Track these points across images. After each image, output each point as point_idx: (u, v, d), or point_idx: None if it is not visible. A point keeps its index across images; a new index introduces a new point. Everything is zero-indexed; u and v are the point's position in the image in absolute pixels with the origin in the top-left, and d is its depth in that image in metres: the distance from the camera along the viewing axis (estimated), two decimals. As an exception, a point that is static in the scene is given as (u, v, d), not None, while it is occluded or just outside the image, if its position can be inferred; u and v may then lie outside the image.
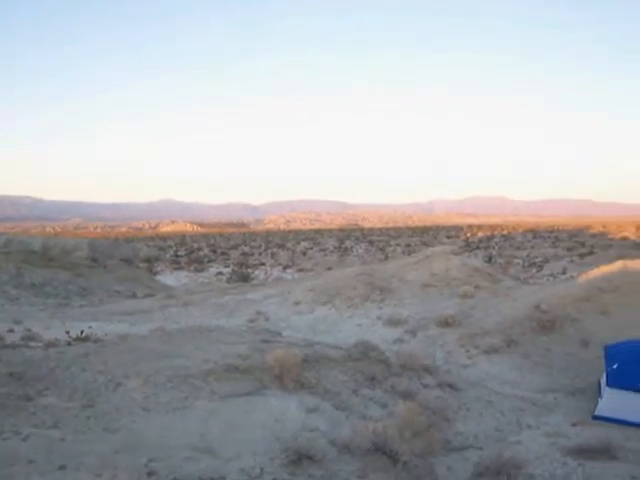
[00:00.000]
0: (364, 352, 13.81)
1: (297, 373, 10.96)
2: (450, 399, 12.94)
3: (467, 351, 19.09)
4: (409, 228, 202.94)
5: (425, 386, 13.25)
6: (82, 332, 14.91)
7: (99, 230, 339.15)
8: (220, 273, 62.36)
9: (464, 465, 9.65)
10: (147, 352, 11.64)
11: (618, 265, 24.59)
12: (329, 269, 51.09)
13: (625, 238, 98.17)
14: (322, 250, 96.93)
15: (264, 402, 9.83)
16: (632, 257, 30.92)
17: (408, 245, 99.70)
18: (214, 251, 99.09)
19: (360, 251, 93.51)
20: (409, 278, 30.41)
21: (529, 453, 10.21)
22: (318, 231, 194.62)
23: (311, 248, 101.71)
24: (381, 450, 8.79)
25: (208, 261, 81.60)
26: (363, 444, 8.80)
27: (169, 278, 58.81)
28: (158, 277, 56.98)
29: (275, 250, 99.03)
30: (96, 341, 13.62)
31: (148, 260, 72.79)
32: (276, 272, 64.86)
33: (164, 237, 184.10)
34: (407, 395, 11.86)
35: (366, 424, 9.30)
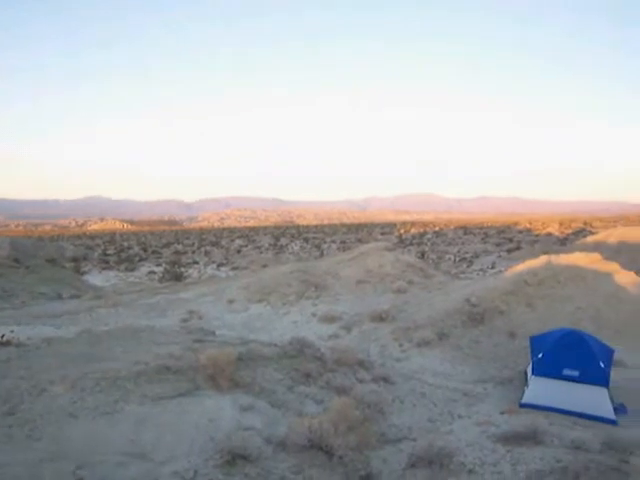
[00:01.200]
0: (299, 349, 13.81)
1: (231, 372, 10.80)
2: (384, 392, 13.13)
3: (401, 345, 19.46)
4: (344, 225, 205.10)
5: (360, 381, 13.40)
6: (3, 336, 14.09)
7: (21, 228, 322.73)
8: (152, 272, 60.71)
9: (399, 456, 9.81)
10: (73, 356, 11.17)
11: (542, 260, 25.78)
12: (264, 267, 50.82)
13: (549, 234, 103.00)
14: (257, 248, 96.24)
15: (197, 403, 9.63)
16: (556, 252, 32.59)
17: (343, 242, 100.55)
18: (145, 250, 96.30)
19: (295, 248, 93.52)
20: (344, 274, 30.69)
21: (460, 442, 10.46)
22: (253, 228, 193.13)
23: (246, 246, 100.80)
24: (317, 446, 8.80)
25: (139, 260, 79.23)
26: (299, 440, 8.79)
27: (97, 278, 56.65)
28: (85, 277, 54.74)
29: (209, 248, 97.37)
30: (18, 345, 12.91)
31: (75, 260, 69.86)
32: (210, 270, 63.84)
33: (92, 235, 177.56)
34: (342, 390, 11.94)
35: (301, 420, 9.29)
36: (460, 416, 12.65)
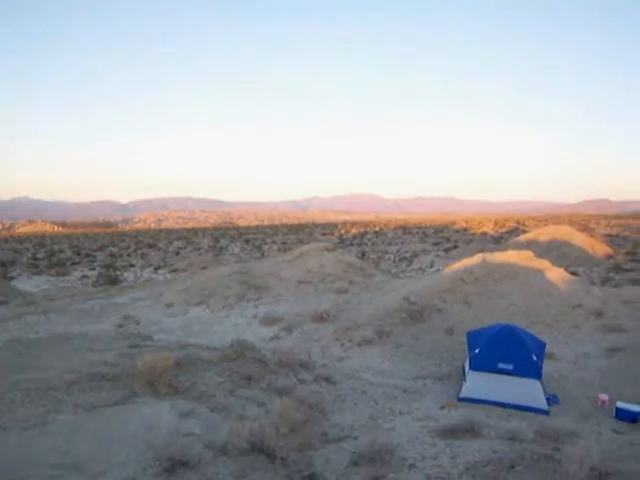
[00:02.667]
0: (240, 352, 13.64)
1: (169, 378, 10.56)
2: (326, 392, 13.18)
3: (342, 344, 19.56)
4: (285, 226, 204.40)
5: (302, 381, 13.38)
6: None
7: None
8: (85, 276, 58.41)
9: (341, 455, 9.82)
10: (1, 366, 10.60)
11: (478, 258, 26.59)
12: (203, 269, 49.99)
13: (485, 233, 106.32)
14: (196, 249, 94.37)
15: (135, 410, 9.34)
16: (491, 250, 33.64)
17: (284, 243, 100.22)
18: (78, 253, 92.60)
19: (236, 250, 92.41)
20: (285, 275, 30.64)
21: (402, 438, 10.61)
22: (192, 230, 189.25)
23: (184, 247, 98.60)
24: (258, 449, 8.72)
25: (71, 264, 76.09)
26: (240, 444, 8.68)
27: (27, 284, 53.95)
28: (14, 283, 52.09)
29: (146, 250, 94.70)
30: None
31: (2, 264, 66.46)
32: (147, 273, 62.09)
33: (20, 239, 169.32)
34: (284, 392, 11.89)
35: (243, 424, 9.18)
36: (401, 412, 12.84)
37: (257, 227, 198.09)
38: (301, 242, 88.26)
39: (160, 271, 64.78)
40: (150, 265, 71.95)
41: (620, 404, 13.89)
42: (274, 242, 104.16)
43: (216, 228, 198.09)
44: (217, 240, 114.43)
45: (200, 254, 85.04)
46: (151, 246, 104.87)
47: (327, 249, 36.11)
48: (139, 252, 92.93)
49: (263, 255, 74.44)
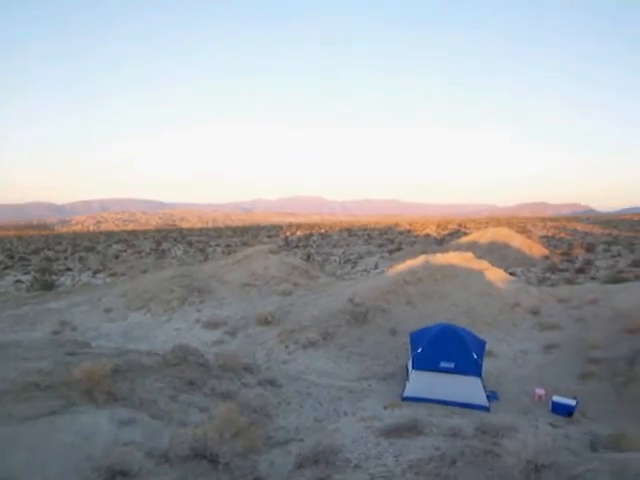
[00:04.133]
0: (182, 356, 13.34)
1: (108, 385, 10.19)
2: (271, 395, 13.08)
3: (287, 347, 19.49)
4: (229, 228, 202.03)
5: (246, 385, 13.23)
6: None
7: None
8: (19, 281, 55.93)
9: (286, 458, 9.77)
10: None
11: (421, 259, 27.08)
12: (144, 272, 48.81)
13: (428, 235, 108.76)
14: (137, 252, 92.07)
15: (72, 420, 8.96)
16: (433, 252, 34.35)
17: (228, 245, 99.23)
18: (11, 257, 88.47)
19: (179, 252, 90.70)
20: (228, 278, 30.23)
21: (346, 438, 10.64)
22: (132, 232, 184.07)
23: (125, 250, 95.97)
24: (201, 455, 8.56)
25: (4, 268, 72.67)
26: (182, 451, 8.49)
27: (-45, 290, 51.30)
28: (-60, 289, 49.36)
29: (84, 254, 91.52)
30: None
31: None
32: (85, 278, 60.07)
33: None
34: (227, 396, 11.74)
35: (185, 430, 8.98)
36: (346, 413, 12.88)
37: (200, 229, 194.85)
38: (246, 245, 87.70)
39: (99, 275, 62.85)
40: (88, 269, 69.70)
41: (556, 398, 14.46)
42: (218, 245, 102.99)
43: (158, 230, 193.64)
44: (159, 243, 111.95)
45: (141, 257, 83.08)
46: (89, 249, 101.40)
47: (272, 251, 35.94)
48: (76, 255, 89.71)
49: (207, 258, 73.43)
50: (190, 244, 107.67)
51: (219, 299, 27.52)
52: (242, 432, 9.52)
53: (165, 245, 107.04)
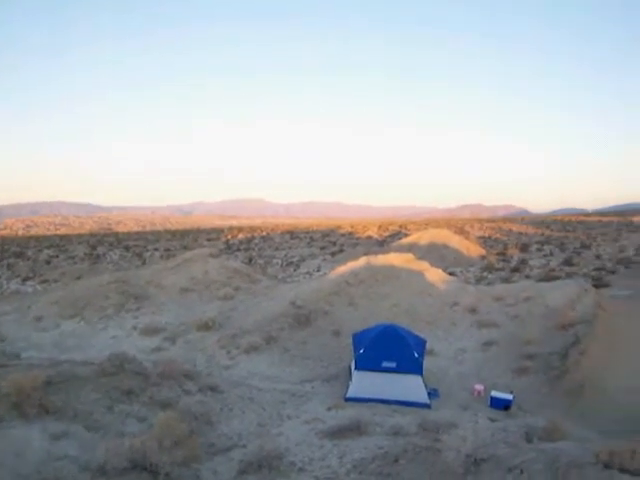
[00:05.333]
0: (119, 365, 12.84)
1: (39, 398, 9.67)
2: (212, 402, 12.80)
3: (228, 352, 19.21)
4: (168, 232, 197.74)
5: (186, 393, 12.89)
6: None
7: None
8: (-60, 291, 52.83)
9: (229, 465, 9.58)
10: None
11: (362, 261, 27.37)
12: (78, 278, 47.03)
13: (370, 237, 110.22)
14: (70, 258, 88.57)
15: (0, 436, 8.46)
16: (375, 253, 34.77)
17: (167, 249, 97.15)
18: None
19: (115, 257, 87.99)
20: (167, 283, 29.50)
21: (290, 442, 10.55)
22: (65, 237, 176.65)
23: (57, 256, 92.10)
24: (140, 466, 8.26)
25: None
26: (120, 463, 8.16)
27: None
28: None
29: (12, 260, 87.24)
30: None
31: None
32: (14, 285, 57.28)
33: None
34: (167, 404, 11.40)
35: (122, 441, 8.64)
36: (289, 417, 12.77)
37: (138, 233, 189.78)
38: (185, 248, 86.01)
39: (29, 282, 60.12)
40: (17, 276, 66.54)
41: (494, 393, 14.91)
42: (156, 249, 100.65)
43: (92, 235, 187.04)
44: (94, 247, 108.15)
45: (74, 263, 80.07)
46: (18, 255, 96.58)
47: (212, 255, 35.40)
48: (5, 262, 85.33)
49: (144, 263, 71.61)
50: (127, 248, 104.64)
51: (157, 305, 26.82)
52: (183, 441, 9.25)
53: (100, 250, 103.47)
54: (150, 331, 22.42)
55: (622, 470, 7.11)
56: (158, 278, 30.21)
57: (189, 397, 12.54)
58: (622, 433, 12.30)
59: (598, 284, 35.91)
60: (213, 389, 13.72)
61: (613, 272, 46.78)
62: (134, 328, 23.32)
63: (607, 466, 7.19)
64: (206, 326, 21.83)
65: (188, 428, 9.81)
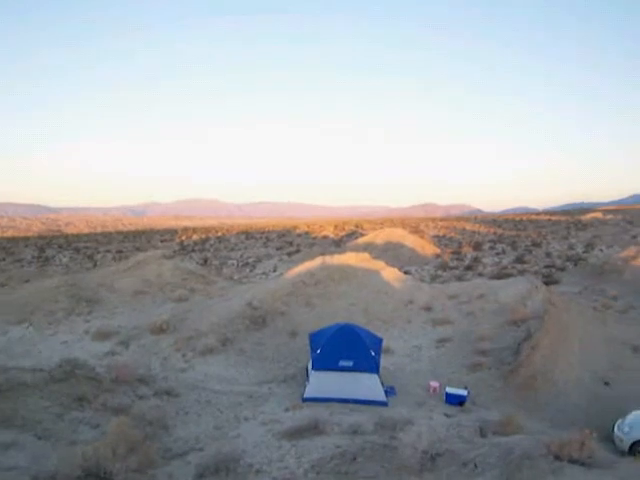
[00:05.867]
0: (70, 371, 12.52)
1: (-15, 407, 9.34)
2: (168, 406, 12.63)
3: (183, 355, 18.92)
4: (120, 233, 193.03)
5: (140, 397, 12.67)
6: None
7: None
8: None
9: (186, 470, 9.47)
10: None
11: (318, 261, 27.43)
12: (26, 282, 45.37)
13: (326, 237, 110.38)
14: (17, 261, 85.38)
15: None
16: (331, 253, 34.90)
17: (120, 251, 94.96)
18: None
19: (64, 260, 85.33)
20: (119, 286, 28.80)
21: (247, 444, 10.48)
22: (12, 239, 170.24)
23: (3, 259, 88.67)
24: (94, 474, 8.10)
25: None
26: (72, 472, 7.98)
27: None
28: None
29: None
30: None
31: None
32: (-43, 290, 55.00)
33: None
34: (120, 410, 11.19)
35: (74, 449, 8.44)
36: (246, 418, 12.68)
37: (88, 235, 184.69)
38: (138, 250, 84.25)
39: (-27, 288, 57.74)
40: (-41, 281, 63.85)
41: (449, 389, 15.20)
42: (108, 251, 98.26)
43: (41, 237, 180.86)
44: (42, 250, 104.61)
45: (22, 266, 77.26)
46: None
47: (166, 256, 34.82)
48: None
49: (96, 265, 69.81)
50: (77, 250, 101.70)
51: (110, 308, 26.15)
52: (137, 446, 9.10)
53: (49, 252, 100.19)
54: (102, 335, 21.81)
55: (572, 461, 7.37)
56: (110, 281, 29.47)
57: (143, 402, 12.32)
58: (572, 424, 12.78)
59: (548, 281, 37.21)
60: (168, 393, 13.52)
61: (563, 269, 48.44)
62: (86, 333, 22.65)
63: (557, 457, 7.45)
64: (160, 329, 21.41)
65: (143, 434, 9.65)
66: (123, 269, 31.74)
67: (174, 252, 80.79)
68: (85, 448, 8.31)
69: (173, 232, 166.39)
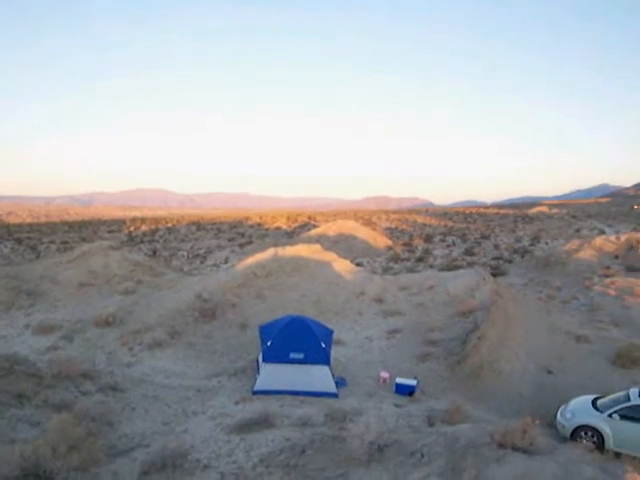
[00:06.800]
0: (9, 367, 11.99)
1: None
2: (113, 402, 12.27)
3: (130, 349, 18.46)
4: (66, 223, 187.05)
5: (84, 393, 12.26)
6: None
7: None
8: None
9: (131, 467, 9.21)
10: None
11: (270, 252, 27.25)
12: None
13: (278, 228, 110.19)
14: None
15: None
16: (284, 245, 34.75)
17: (65, 242, 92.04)
18: None
19: (5, 251, 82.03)
20: (62, 278, 27.81)
21: (195, 439, 10.30)
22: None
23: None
24: (33, 474, 7.82)
25: None
26: (10, 472, 7.69)
27: None
28: None
29: None
30: None
31: None
32: None
33: None
34: (63, 407, 10.78)
35: (12, 448, 8.08)
36: (195, 413, 12.47)
37: (31, 225, 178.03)
38: (84, 241, 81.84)
39: None
40: None
41: (399, 380, 15.38)
42: (52, 242, 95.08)
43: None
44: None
45: (-41, 258, 73.94)
46: None
47: (112, 248, 33.81)
48: None
49: (39, 256, 67.37)
50: (19, 241, 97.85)
51: (52, 301, 25.25)
52: (79, 444, 8.79)
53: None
54: (44, 329, 21.03)
55: (515, 449, 7.54)
56: (53, 273, 28.42)
57: (87, 398, 11.93)
58: (517, 412, 13.17)
59: (496, 273, 38.30)
60: (114, 388, 13.15)
61: (510, 261, 49.94)
62: (26, 327, 21.79)
63: (501, 445, 7.61)
64: (106, 322, 20.82)
65: (85, 431, 9.35)
66: (67, 260, 30.65)
67: (122, 243, 78.85)
68: (24, 447, 8.00)
69: (121, 223, 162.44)
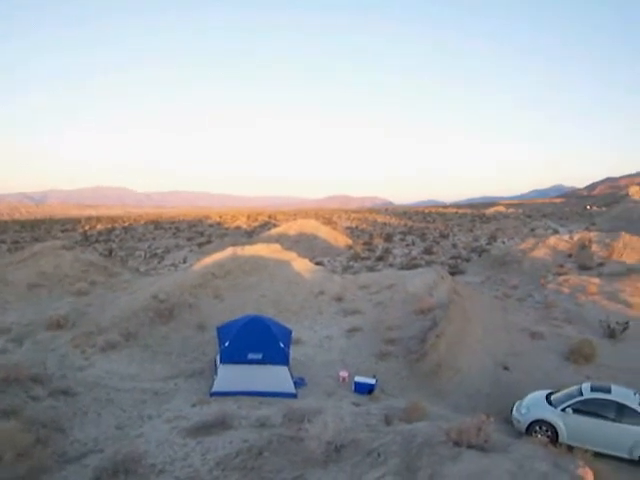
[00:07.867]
0: (-48, 372, 11.48)
1: None
2: (64, 407, 11.89)
3: (83, 352, 17.92)
4: (17, 222, 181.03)
5: (34, 398, 11.82)
6: None
7: None
8: None
9: (83, 473, 8.97)
10: None
11: (228, 252, 26.97)
12: None
13: (238, 227, 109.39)
14: None
15: None
16: (243, 244, 34.43)
17: (16, 242, 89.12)
18: None
19: (-49, 252, 78.94)
20: (12, 279, 26.78)
21: (150, 443, 10.08)
22: None
23: None
24: (-24, 484, 7.41)
25: None
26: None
27: None
28: None
29: None
30: None
31: None
32: None
33: None
34: (11, 413, 10.38)
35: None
36: (150, 416, 12.19)
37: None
38: (37, 240, 79.31)
39: None
40: None
41: (358, 379, 15.41)
42: (3, 241, 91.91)
43: None
44: None
45: None
46: None
47: (65, 247, 32.80)
48: None
49: (-12, 257, 64.96)
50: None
51: (1, 303, 24.29)
52: (28, 452, 8.49)
53: None
54: (-7, 332, 20.27)
55: (470, 446, 7.61)
56: (2, 273, 27.35)
57: (37, 403, 11.52)
58: (474, 409, 13.34)
59: (454, 271, 38.92)
60: (65, 393, 12.72)
61: (468, 260, 50.79)
62: (-27, 330, 20.94)
63: (457, 443, 7.66)
64: (57, 324, 20.17)
65: (34, 437, 9.02)
66: (17, 260, 29.55)
67: (75, 243, 76.71)
68: (-34, 457, 7.62)
69: (75, 221, 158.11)
